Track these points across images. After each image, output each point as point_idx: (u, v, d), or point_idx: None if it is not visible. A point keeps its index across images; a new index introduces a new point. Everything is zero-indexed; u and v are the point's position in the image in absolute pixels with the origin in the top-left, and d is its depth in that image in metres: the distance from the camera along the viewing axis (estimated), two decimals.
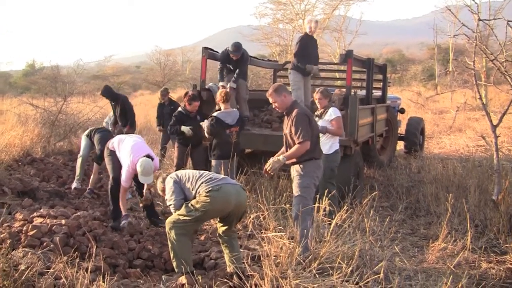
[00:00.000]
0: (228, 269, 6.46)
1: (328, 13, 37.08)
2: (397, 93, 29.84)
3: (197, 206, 6.13)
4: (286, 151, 7.24)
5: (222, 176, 6.55)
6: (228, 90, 10.57)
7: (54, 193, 9.95)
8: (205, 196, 6.11)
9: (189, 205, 6.21)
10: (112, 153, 9.10)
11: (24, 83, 50.91)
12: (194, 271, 6.26)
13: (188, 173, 6.55)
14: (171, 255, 6.32)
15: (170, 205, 6.45)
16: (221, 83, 11.29)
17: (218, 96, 10.08)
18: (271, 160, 7.11)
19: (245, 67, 11.93)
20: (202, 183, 6.27)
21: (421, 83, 46.66)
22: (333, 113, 9.28)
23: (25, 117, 17.26)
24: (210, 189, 6.13)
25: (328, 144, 9.21)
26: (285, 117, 7.34)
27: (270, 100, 7.29)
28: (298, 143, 6.98)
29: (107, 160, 9.23)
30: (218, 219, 6.58)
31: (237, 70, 11.51)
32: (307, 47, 11.03)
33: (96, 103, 14.03)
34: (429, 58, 58.38)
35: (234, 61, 11.51)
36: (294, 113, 7.07)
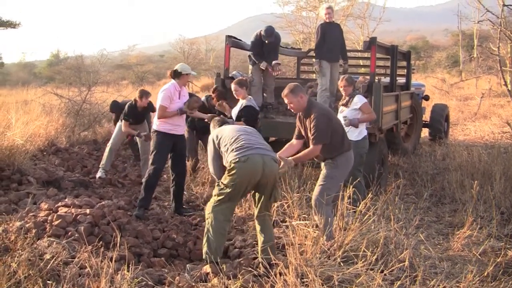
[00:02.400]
0: (259, 257, 6.47)
1: (352, 0, 36.91)
2: (421, 80, 29.70)
3: (226, 182, 6.21)
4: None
5: (255, 144, 6.48)
6: (246, 78, 10.56)
7: (78, 182, 10.01)
8: (231, 168, 6.20)
9: (220, 183, 6.32)
10: (160, 134, 8.97)
11: (49, 73, 51.23)
12: (219, 261, 6.26)
13: (225, 136, 6.59)
14: (204, 239, 6.40)
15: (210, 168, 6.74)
16: (262, 65, 11.33)
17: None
18: (283, 161, 7.02)
19: (278, 49, 12.03)
20: (232, 150, 6.31)
21: (445, 69, 46.33)
22: (358, 100, 9.23)
23: (50, 107, 17.39)
24: (237, 160, 6.17)
25: (357, 131, 9.18)
26: (302, 117, 7.30)
27: (286, 101, 7.22)
28: (311, 145, 7.01)
29: (153, 143, 9.08)
30: (253, 198, 6.66)
31: (274, 52, 11.66)
32: (325, 35, 11.01)
33: (120, 92, 14.06)
34: (454, 44, 57.84)
35: (267, 45, 11.49)
36: (313, 116, 6.98)
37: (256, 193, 6.53)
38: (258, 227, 6.60)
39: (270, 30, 11.29)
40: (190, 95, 10.04)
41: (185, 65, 9.19)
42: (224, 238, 6.53)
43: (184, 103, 9.12)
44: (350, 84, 9.38)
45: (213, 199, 6.37)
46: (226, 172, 6.28)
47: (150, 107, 11.39)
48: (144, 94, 11.19)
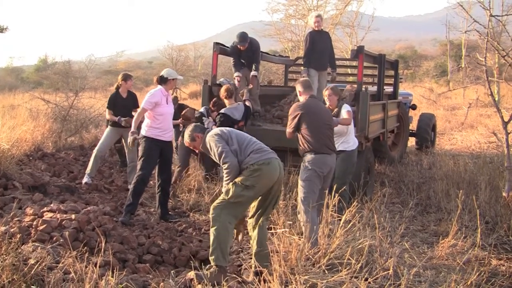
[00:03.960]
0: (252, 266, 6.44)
1: (341, 8, 36.99)
2: (409, 89, 29.79)
3: (247, 183, 6.10)
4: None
5: (268, 148, 6.55)
6: (229, 86, 10.47)
7: (64, 188, 9.98)
8: (254, 169, 6.14)
9: (239, 183, 6.14)
10: (148, 140, 9.00)
11: (36, 78, 51.00)
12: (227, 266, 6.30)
13: (231, 134, 6.50)
14: (213, 244, 6.18)
15: (225, 163, 6.23)
16: (236, 74, 11.24)
17: (222, 92, 10.02)
18: None
19: (258, 56, 11.89)
20: (251, 152, 6.29)
21: (433, 79, 46.53)
22: (345, 108, 9.30)
23: (37, 112, 17.32)
24: (262, 162, 6.17)
25: (352, 141, 9.30)
26: None
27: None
28: None
29: (141, 149, 9.08)
30: (256, 205, 6.55)
31: (254, 59, 11.53)
32: (314, 43, 11.06)
33: (107, 98, 14.01)
34: (442, 54, 58.08)
35: (244, 52, 11.45)
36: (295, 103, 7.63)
37: (263, 200, 6.48)
38: (256, 236, 6.50)
39: (243, 36, 11.26)
40: (180, 104, 10.12)
41: (171, 70, 9.28)
42: (231, 242, 6.53)
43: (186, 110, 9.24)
44: (335, 93, 9.44)
45: (226, 200, 6.20)
46: (248, 173, 6.16)
47: (134, 98, 11.40)
48: (128, 76, 11.38)
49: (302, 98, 7.73)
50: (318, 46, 11.12)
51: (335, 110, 9.44)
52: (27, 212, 7.59)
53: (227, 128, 6.72)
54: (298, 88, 7.81)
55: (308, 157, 7.40)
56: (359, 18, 37.96)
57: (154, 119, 8.90)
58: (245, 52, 11.39)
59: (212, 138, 6.44)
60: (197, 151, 7.98)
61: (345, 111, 9.24)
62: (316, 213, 7.20)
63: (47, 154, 12.63)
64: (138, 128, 9.13)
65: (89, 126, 17.40)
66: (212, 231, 6.22)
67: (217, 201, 6.33)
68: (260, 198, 6.48)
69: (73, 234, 6.79)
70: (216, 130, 6.62)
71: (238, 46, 11.28)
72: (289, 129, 7.66)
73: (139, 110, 9.10)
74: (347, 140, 9.16)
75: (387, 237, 7.23)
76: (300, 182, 7.45)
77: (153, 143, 8.91)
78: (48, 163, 11.84)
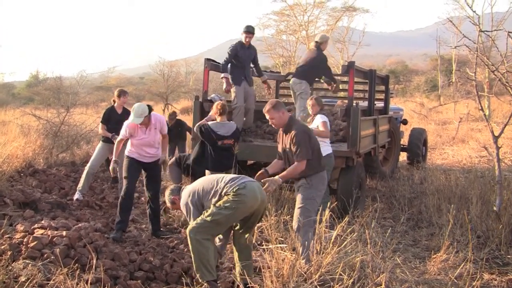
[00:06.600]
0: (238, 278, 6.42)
1: (332, 24, 37.28)
2: (400, 104, 29.92)
3: (227, 205, 6.03)
4: (286, 165, 7.28)
5: (239, 175, 6.50)
6: (224, 102, 10.37)
7: (56, 204, 9.91)
8: (234, 195, 6.05)
9: (217, 205, 6.09)
10: (128, 159, 9.01)
11: (27, 94, 50.84)
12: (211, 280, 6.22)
13: (202, 185, 6.45)
14: (196, 263, 6.14)
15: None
16: (223, 74, 11.28)
17: (214, 109, 9.72)
18: (268, 180, 7.04)
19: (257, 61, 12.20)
20: (225, 185, 6.21)
21: (424, 94, 46.71)
22: (320, 118, 9.30)
23: (28, 128, 17.28)
24: (237, 187, 6.08)
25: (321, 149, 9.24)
26: (282, 133, 7.37)
27: (267, 117, 7.29)
28: (295, 162, 7.02)
29: (124, 167, 9.07)
30: (239, 225, 6.52)
31: (257, 64, 12.13)
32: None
33: (99, 114, 13.93)
34: (432, 69, 58.35)
35: (246, 54, 11.52)
36: (293, 131, 7.09)
37: (247, 221, 6.44)
38: (237, 254, 6.54)
39: (252, 27, 11.58)
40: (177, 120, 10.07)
41: (139, 109, 8.91)
42: (214, 257, 6.37)
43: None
44: (318, 103, 9.54)
45: (203, 221, 6.10)
46: (226, 198, 6.10)
47: (128, 114, 11.42)
48: (122, 92, 11.41)
49: (283, 116, 7.17)
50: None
51: (309, 118, 9.48)
52: (17, 229, 7.55)
53: (191, 187, 6.66)
54: (278, 108, 7.16)
55: (312, 177, 7.19)
56: (350, 34, 38.27)
57: (132, 145, 8.93)
58: (247, 55, 11.59)
59: (183, 200, 6.56)
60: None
61: (321, 121, 9.24)
62: (313, 229, 7.16)
63: (38, 170, 12.58)
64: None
65: (80, 142, 17.35)
66: (191, 251, 6.19)
67: (192, 223, 6.21)
68: (244, 220, 6.44)
69: (64, 251, 6.76)
70: (186, 191, 6.63)
71: (245, 35, 11.44)
72: (304, 158, 7.01)
73: (118, 138, 9.19)
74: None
75: (379, 252, 7.22)
76: (304, 201, 7.17)
77: (134, 161, 8.95)
78: (39, 180, 11.80)
